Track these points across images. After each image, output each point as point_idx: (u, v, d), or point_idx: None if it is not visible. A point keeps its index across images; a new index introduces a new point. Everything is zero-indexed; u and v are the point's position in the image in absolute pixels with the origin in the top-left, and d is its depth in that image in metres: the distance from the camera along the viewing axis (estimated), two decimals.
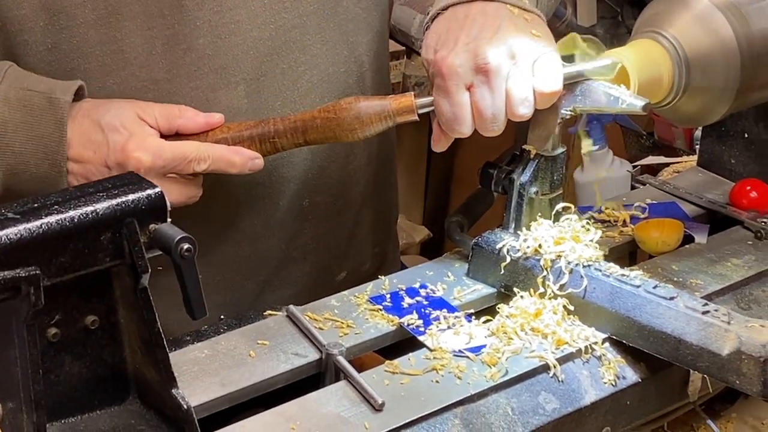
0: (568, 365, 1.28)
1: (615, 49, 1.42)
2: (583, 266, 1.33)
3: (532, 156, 1.40)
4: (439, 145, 1.41)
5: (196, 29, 1.45)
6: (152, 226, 1.06)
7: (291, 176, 1.57)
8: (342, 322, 1.33)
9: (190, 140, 1.40)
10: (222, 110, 1.47)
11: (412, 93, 1.39)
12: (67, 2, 1.41)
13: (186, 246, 1.05)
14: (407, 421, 1.18)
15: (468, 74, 1.33)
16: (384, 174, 1.74)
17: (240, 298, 1.59)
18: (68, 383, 1.08)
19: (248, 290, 1.61)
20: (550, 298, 1.34)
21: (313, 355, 1.28)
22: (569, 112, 1.37)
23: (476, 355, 1.27)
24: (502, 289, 1.39)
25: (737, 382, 1.20)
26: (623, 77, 1.38)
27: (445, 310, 1.35)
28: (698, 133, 1.99)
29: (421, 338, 1.30)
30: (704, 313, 1.24)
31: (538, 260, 1.35)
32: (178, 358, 1.23)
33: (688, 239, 1.52)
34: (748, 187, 1.59)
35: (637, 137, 3.12)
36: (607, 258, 1.37)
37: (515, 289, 1.36)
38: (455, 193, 3.37)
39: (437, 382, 1.23)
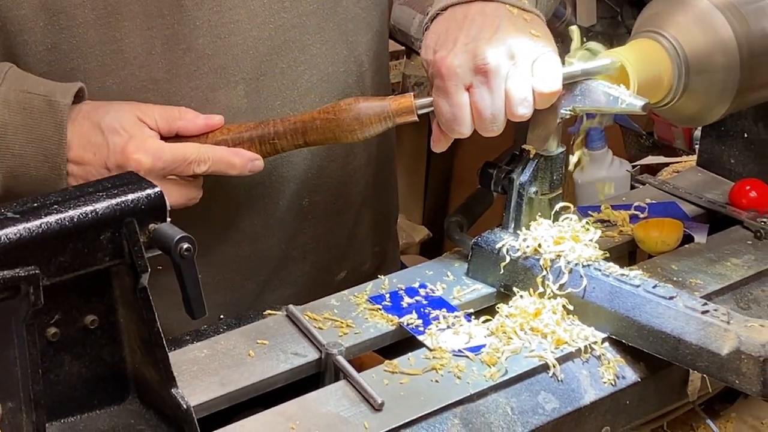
0: (567, 365, 1.28)
1: (614, 49, 1.42)
2: (583, 266, 1.33)
3: (531, 156, 1.40)
4: (439, 146, 1.41)
5: (195, 29, 1.45)
6: (152, 226, 1.06)
7: (291, 176, 1.57)
8: (341, 322, 1.33)
9: (190, 142, 1.41)
10: (221, 110, 1.47)
11: (412, 94, 1.39)
12: (67, 2, 1.41)
13: (185, 246, 1.05)
14: (407, 420, 1.18)
15: (467, 75, 1.33)
16: (384, 174, 1.74)
17: (240, 298, 1.59)
18: (68, 383, 1.08)
19: (248, 290, 1.61)
20: (549, 298, 1.34)
21: (312, 355, 1.28)
22: (569, 112, 1.37)
23: (476, 355, 1.27)
24: (502, 289, 1.39)
25: (737, 381, 1.20)
26: (623, 77, 1.38)
27: (444, 309, 1.35)
28: (698, 132, 1.99)
29: (420, 338, 1.30)
30: (704, 312, 1.24)
31: (538, 260, 1.35)
32: (177, 358, 1.23)
33: (687, 239, 1.52)
34: (748, 187, 1.59)
35: (637, 137, 3.13)
36: (607, 258, 1.37)
37: (515, 289, 1.36)
38: (455, 192, 3.37)
39: (437, 381, 1.23)
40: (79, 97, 1.39)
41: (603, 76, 1.37)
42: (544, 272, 1.34)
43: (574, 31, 1.40)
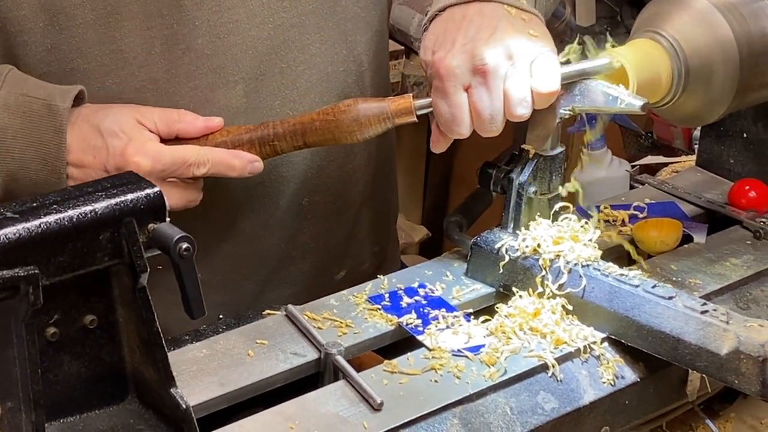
0: (566, 365, 1.28)
1: (614, 49, 1.42)
2: (582, 266, 1.33)
3: (530, 156, 1.40)
4: (439, 146, 1.41)
5: (194, 29, 1.45)
6: (151, 226, 1.06)
7: (290, 176, 1.57)
8: (341, 322, 1.33)
9: (189, 144, 1.41)
10: (221, 110, 1.47)
11: (411, 94, 1.39)
12: (67, 2, 1.41)
13: (185, 245, 1.05)
14: (406, 420, 1.18)
15: (465, 75, 1.33)
16: (383, 174, 1.74)
17: (239, 298, 1.59)
18: (67, 383, 1.08)
19: (247, 290, 1.61)
20: (548, 298, 1.34)
21: (311, 355, 1.28)
22: (568, 112, 1.37)
23: (475, 355, 1.27)
24: (501, 289, 1.39)
25: (736, 381, 1.21)
26: (622, 77, 1.38)
27: (443, 309, 1.35)
28: (697, 132, 1.99)
29: (419, 338, 1.30)
30: (703, 312, 1.24)
31: (537, 260, 1.35)
32: (176, 358, 1.23)
33: (686, 239, 1.52)
34: (747, 187, 1.59)
35: (636, 137, 3.13)
36: (606, 258, 1.37)
37: (514, 289, 1.36)
38: (454, 192, 3.37)
39: (436, 381, 1.23)
40: (79, 100, 1.39)
41: (602, 75, 1.37)
42: (544, 272, 1.34)
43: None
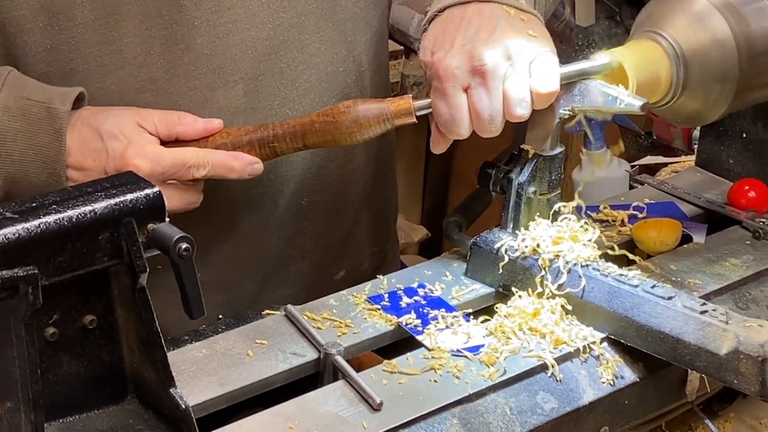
0: (566, 365, 1.28)
1: (613, 49, 1.42)
2: (582, 266, 1.33)
3: (530, 156, 1.40)
4: (438, 147, 1.41)
5: (194, 29, 1.45)
6: (150, 226, 1.06)
7: (290, 175, 1.57)
8: (340, 322, 1.33)
9: (189, 146, 1.41)
10: (220, 109, 1.47)
11: (410, 95, 1.39)
12: (66, 2, 1.41)
13: (184, 245, 1.05)
14: (405, 420, 1.18)
15: (465, 76, 1.33)
16: (383, 174, 1.74)
17: (238, 298, 1.59)
18: (66, 383, 1.08)
19: (247, 289, 1.61)
20: (548, 298, 1.34)
21: (311, 355, 1.28)
22: (567, 112, 1.37)
23: (474, 355, 1.27)
24: (501, 289, 1.39)
25: (735, 381, 1.21)
26: (622, 77, 1.38)
27: (443, 309, 1.35)
28: (697, 132, 1.99)
29: (419, 338, 1.30)
30: (702, 312, 1.24)
31: (537, 260, 1.35)
32: (176, 358, 1.23)
33: (686, 239, 1.52)
34: (747, 187, 1.59)
35: (636, 137, 3.13)
36: (607, 258, 1.37)
37: (513, 289, 1.36)
38: (454, 192, 3.37)
39: (435, 381, 1.23)
40: (79, 102, 1.39)
41: (601, 75, 1.37)
42: (543, 272, 1.34)
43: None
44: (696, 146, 1.77)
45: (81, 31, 1.42)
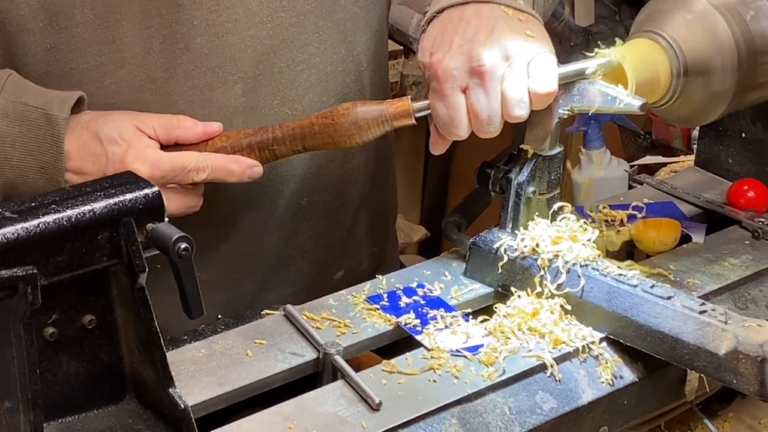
0: (565, 365, 1.28)
1: (612, 49, 1.42)
2: (581, 266, 1.33)
3: (529, 156, 1.40)
4: (437, 148, 1.41)
5: (193, 28, 1.45)
6: (150, 226, 1.06)
7: (290, 175, 1.57)
8: (339, 322, 1.33)
9: (189, 150, 1.41)
10: (219, 109, 1.47)
11: (409, 97, 1.40)
12: (66, 2, 1.41)
13: (183, 245, 1.05)
14: (404, 420, 1.18)
15: (463, 77, 1.33)
16: (382, 173, 1.74)
17: (237, 297, 1.59)
18: (65, 382, 1.08)
19: (246, 289, 1.61)
20: (547, 298, 1.34)
21: (310, 355, 1.28)
22: (567, 112, 1.37)
23: (473, 355, 1.27)
24: (500, 289, 1.39)
25: (734, 381, 1.21)
26: (621, 77, 1.38)
27: (442, 309, 1.35)
28: (696, 132, 2.00)
29: (418, 338, 1.30)
30: (701, 312, 1.24)
31: (536, 260, 1.35)
32: (175, 358, 1.23)
33: (685, 239, 1.52)
34: (746, 187, 1.59)
35: (635, 137, 3.13)
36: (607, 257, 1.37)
37: (512, 289, 1.36)
38: (453, 192, 3.37)
39: (434, 381, 1.23)
40: (78, 105, 1.39)
41: (601, 75, 1.37)
42: (542, 272, 1.34)
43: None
44: (695, 146, 1.77)
45: (80, 31, 1.42)
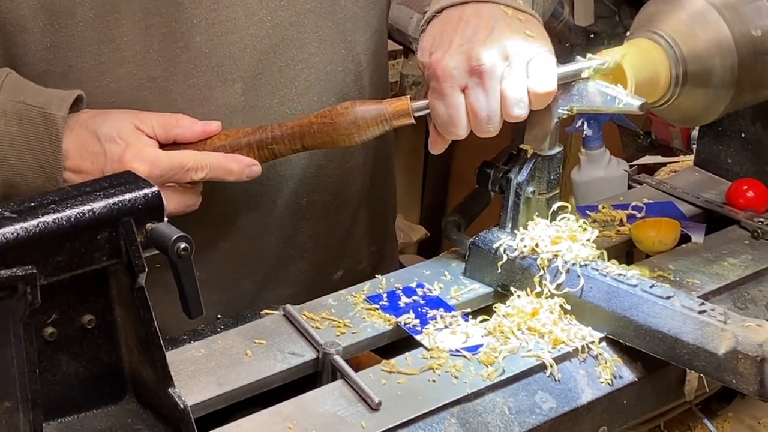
0: (564, 364, 1.28)
1: (612, 49, 1.42)
2: (580, 265, 1.33)
3: (529, 155, 1.40)
4: (436, 148, 1.41)
5: (193, 27, 1.45)
6: (149, 226, 1.06)
7: (289, 175, 1.57)
8: (339, 322, 1.33)
9: (187, 149, 1.41)
10: (218, 108, 1.47)
11: (408, 96, 1.40)
12: (66, 1, 1.41)
13: (183, 245, 1.05)
14: (404, 420, 1.18)
15: (462, 76, 1.33)
16: (381, 173, 1.74)
17: (237, 297, 1.59)
18: (65, 382, 1.08)
19: (245, 289, 1.61)
20: (546, 298, 1.34)
21: (309, 355, 1.28)
22: (566, 112, 1.37)
23: (473, 355, 1.27)
24: (499, 289, 1.39)
25: (734, 381, 1.21)
26: (620, 77, 1.38)
27: (442, 309, 1.35)
28: (695, 132, 1.99)
29: (417, 337, 1.30)
30: (701, 312, 1.24)
31: (535, 259, 1.35)
32: (174, 357, 1.23)
33: (684, 239, 1.52)
34: (745, 187, 1.59)
35: (635, 137, 3.13)
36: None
37: (512, 289, 1.36)
38: (452, 192, 3.37)
39: (434, 381, 1.23)
40: (77, 104, 1.39)
41: (600, 75, 1.37)
42: (542, 272, 1.34)
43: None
44: (695, 146, 1.77)
45: (80, 30, 1.42)
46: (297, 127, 1.41)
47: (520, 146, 1.41)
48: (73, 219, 1.02)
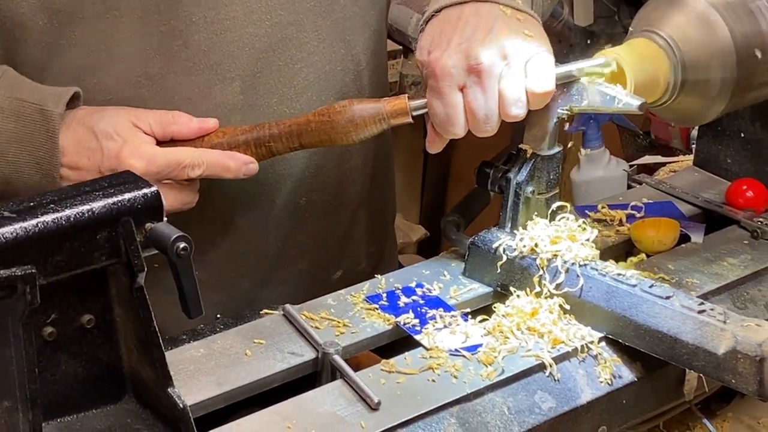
0: (564, 364, 1.28)
1: (611, 49, 1.42)
2: (580, 265, 1.33)
3: (528, 155, 1.40)
4: (434, 147, 1.41)
5: (191, 25, 1.45)
6: (148, 225, 1.06)
7: (288, 174, 1.57)
8: (338, 321, 1.33)
9: (185, 146, 1.41)
10: (217, 106, 1.47)
11: (406, 95, 1.40)
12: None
13: (182, 245, 1.04)
14: (403, 420, 1.18)
15: (461, 75, 1.33)
16: (381, 173, 1.74)
17: (236, 297, 1.59)
18: (64, 382, 1.08)
19: (244, 289, 1.61)
20: (546, 297, 1.34)
21: (309, 354, 1.28)
22: (565, 112, 1.37)
23: (472, 354, 1.27)
24: (499, 288, 1.39)
25: (733, 381, 1.21)
26: (620, 76, 1.38)
27: (441, 309, 1.35)
28: (695, 132, 1.99)
29: (417, 337, 1.30)
30: (700, 312, 1.24)
31: (535, 259, 1.35)
32: (174, 357, 1.23)
33: (684, 239, 1.52)
34: (744, 187, 1.59)
35: (634, 137, 3.13)
36: (603, 257, 1.37)
37: (511, 288, 1.36)
38: (452, 192, 3.37)
39: (433, 381, 1.23)
40: (74, 101, 1.39)
41: (599, 75, 1.37)
42: (541, 272, 1.34)
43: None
44: (694, 146, 1.77)
45: (80, 28, 1.42)
46: (294, 125, 1.41)
47: (520, 146, 1.41)
48: (72, 219, 1.02)
